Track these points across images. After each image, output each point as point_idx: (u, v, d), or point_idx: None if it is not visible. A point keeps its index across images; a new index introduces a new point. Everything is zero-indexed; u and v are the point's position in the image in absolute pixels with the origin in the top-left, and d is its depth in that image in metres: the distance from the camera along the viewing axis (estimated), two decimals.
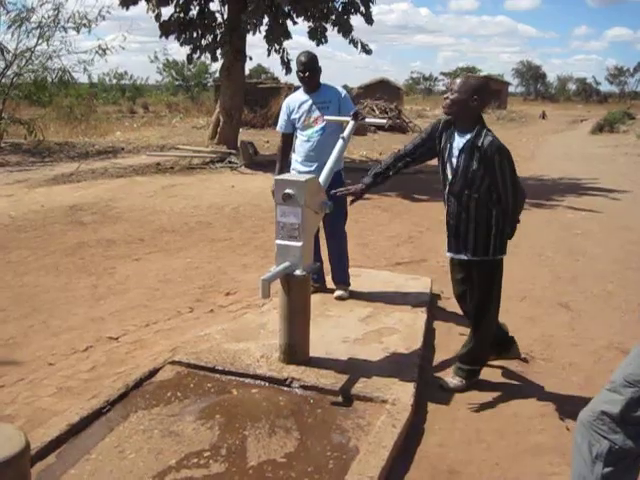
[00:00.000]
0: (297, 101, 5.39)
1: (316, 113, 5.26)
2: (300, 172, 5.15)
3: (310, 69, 5.23)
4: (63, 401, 3.71)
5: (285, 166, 5.47)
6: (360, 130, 5.82)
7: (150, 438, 3.21)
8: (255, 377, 3.85)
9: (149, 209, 9.67)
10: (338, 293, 5.44)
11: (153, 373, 3.90)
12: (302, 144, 5.33)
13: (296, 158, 5.40)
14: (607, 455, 2.33)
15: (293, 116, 5.37)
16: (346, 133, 4.72)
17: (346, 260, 5.57)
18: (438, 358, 4.50)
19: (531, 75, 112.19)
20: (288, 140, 5.48)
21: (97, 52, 19.33)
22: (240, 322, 4.89)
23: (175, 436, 3.24)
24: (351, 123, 4.79)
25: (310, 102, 5.30)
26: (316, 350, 4.12)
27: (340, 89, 5.47)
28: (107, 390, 3.68)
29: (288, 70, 16.92)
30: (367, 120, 4.97)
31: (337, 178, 5.17)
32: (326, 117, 5.20)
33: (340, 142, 4.63)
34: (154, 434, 3.25)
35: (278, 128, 5.57)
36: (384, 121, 5.34)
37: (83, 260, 6.81)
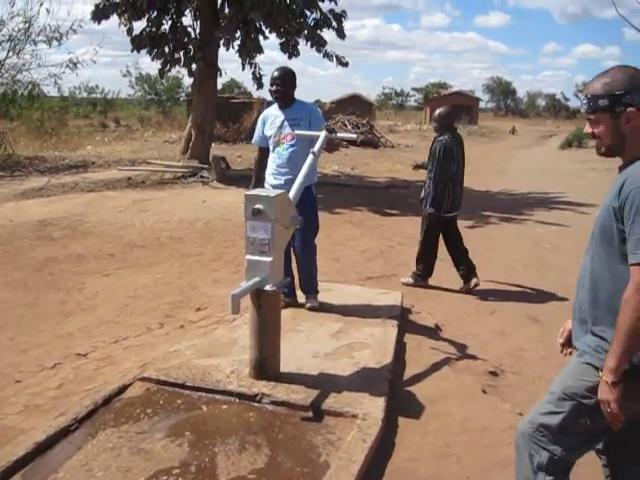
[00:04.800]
0: (271, 116, 5.43)
1: (287, 129, 5.28)
2: (272, 185, 5.17)
3: (280, 84, 5.27)
4: (30, 419, 3.66)
5: (259, 181, 5.50)
6: (333, 147, 5.84)
7: (118, 456, 3.17)
8: (225, 393, 3.82)
9: (120, 224, 9.60)
10: (309, 305, 5.45)
11: (122, 390, 3.86)
12: (274, 159, 5.36)
13: (269, 172, 5.42)
14: (548, 465, 2.41)
15: (266, 131, 5.40)
16: (316, 148, 4.74)
17: (314, 270, 5.58)
18: (409, 372, 4.51)
19: (501, 91, 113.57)
20: (264, 154, 5.51)
21: (68, 66, 19.24)
22: (210, 338, 4.86)
23: (144, 453, 3.21)
24: (321, 137, 4.82)
25: (282, 118, 5.33)
26: (287, 365, 4.11)
27: (311, 105, 5.51)
28: (75, 407, 3.63)
29: (260, 85, 16.97)
30: (337, 135, 5.00)
31: (308, 193, 5.19)
32: (297, 132, 5.22)
33: (310, 157, 4.65)
34: (122, 452, 3.21)
35: (254, 141, 5.63)
36: (354, 136, 5.37)
37: (52, 276, 6.73)
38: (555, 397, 2.40)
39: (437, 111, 6.96)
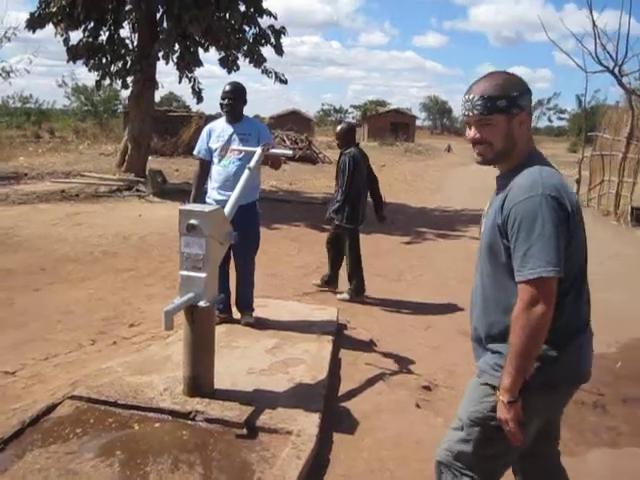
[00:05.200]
0: (218, 129, 5.43)
1: (235, 144, 5.28)
2: (215, 200, 5.13)
3: (232, 98, 5.31)
4: None
5: (200, 194, 5.48)
6: (278, 163, 5.89)
7: (46, 478, 3.09)
8: (158, 411, 3.76)
9: (52, 237, 9.39)
10: (244, 320, 5.44)
11: (51, 409, 3.75)
12: (219, 173, 5.33)
13: (212, 186, 5.40)
14: None
15: (212, 144, 5.39)
16: (252, 163, 4.74)
17: (252, 286, 5.57)
18: (344, 388, 4.53)
19: (438, 110, 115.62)
20: (205, 167, 5.50)
21: (0, 74, 18.79)
22: (144, 354, 4.79)
23: (73, 475, 3.13)
24: (257, 153, 4.83)
25: (231, 132, 5.34)
26: (221, 382, 4.08)
27: (260, 123, 5.57)
28: (1, 428, 3.52)
29: (199, 99, 16.90)
30: (273, 150, 5.02)
31: (252, 209, 5.21)
32: (233, 147, 5.22)
33: (246, 172, 4.65)
34: (50, 473, 3.13)
35: (196, 152, 5.58)
36: (290, 152, 5.40)
37: None
38: (463, 424, 2.40)
39: (339, 127, 7.24)
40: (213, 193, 5.36)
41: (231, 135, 5.33)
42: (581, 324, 2.36)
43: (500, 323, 2.28)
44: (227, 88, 5.35)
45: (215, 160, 5.39)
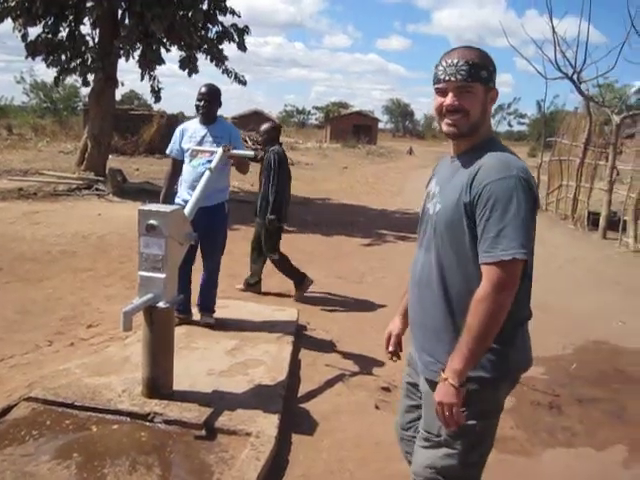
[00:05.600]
0: (191, 130, 5.44)
1: (207, 145, 5.29)
2: (184, 200, 5.09)
3: (208, 100, 5.34)
4: None
5: (170, 193, 5.48)
6: (245, 167, 5.93)
7: None
8: (116, 412, 3.74)
9: (9, 236, 9.23)
10: (204, 321, 5.43)
11: (6, 411, 3.71)
12: (189, 173, 5.33)
13: (182, 186, 5.39)
14: None
15: (184, 144, 5.41)
16: (212, 164, 4.75)
17: (214, 290, 5.58)
18: (303, 389, 4.56)
19: (400, 112, 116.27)
20: (177, 166, 5.51)
21: None
22: (102, 355, 4.75)
23: (29, 477, 3.10)
24: (218, 154, 4.84)
25: (204, 133, 5.37)
26: (180, 383, 4.07)
27: (232, 126, 5.68)
28: None
29: (157, 99, 16.76)
30: (235, 152, 5.03)
31: (221, 210, 5.23)
32: (193, 147, 5.24)
33: (206, 173, 4.65)
34: (6, 476, 3.09)
35: (168, 151, 5.59)
36: (252, 153, 5.40)
37: None
38: (444, 439, 2.30)
39: (263, 126, 7.29)
40: (183, 193, 5.36)
41: (203, 136, 5.35)
42: (529, 310, 2.32)
43: (460, 306, 2.19)
44: (203, 90, 5.37)
45: (186, 160, 5.39)
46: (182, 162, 5.44)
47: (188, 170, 5.36)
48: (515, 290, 2.09)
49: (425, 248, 2.35)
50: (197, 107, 5.38)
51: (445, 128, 2.27)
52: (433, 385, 2.28)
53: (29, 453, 3.32)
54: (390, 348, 2.74)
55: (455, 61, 2.18)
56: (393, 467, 3.56)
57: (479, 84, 2.18)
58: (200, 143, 5.33)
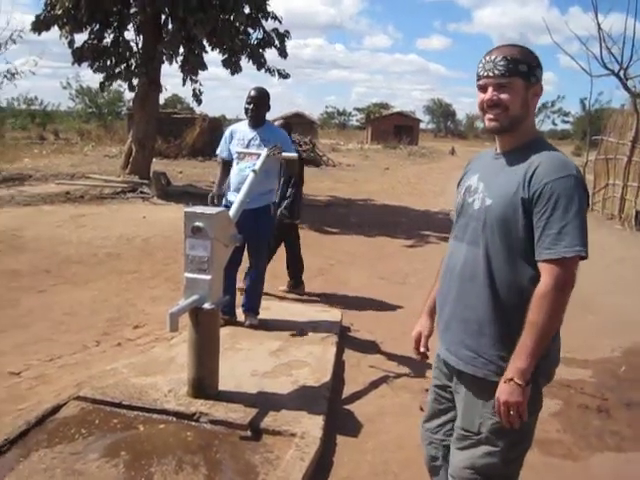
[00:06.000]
0: (240, 132, 5.50)
1: (254, 148, 5.33)
2: (230, 202, 5.11)
3: (257, 103, 5.39)
4: None
5: (220, 192, 5.55)
6: (291, 166, 5.97)
7: (52, 477, 3.11)
8: (162, 412, 3.79)
9: (57, 239, 9.40)
10: (248, 322, 5.46)
11: (56, 409, 3.78)
12: (235, 175, 5.40)
13: (229, 188, 5.44)
14: None
15: (232, 146, 5.48)
16: (257, 166, 4.77)
17: (259, 291, 5.62)
18: (347, 390, 4.55)
19: (441, 112, 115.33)
20: (226, 166, 5.59)
21: (6, 76, 18.85)
22: (148, 356, 4.81)
23: (78, 475, 3.16)
24: (262, 156, 4.86)
25: (252, 136, 5.42)
26: (225, 384, 4.10)
27: (282, 130, 5.70)
28: (7, 428, 3.55)
29: (199, 102, 16.92)
30: (281, 154, 5.05)
31: (266, 212, 5.26)
32: (240, 150, 5.28)
33: (250, 175, 4.68)
34: (56, 473, 3.15)
35: (218, 152, 5.69)
36: (296, 155, 5.43)
37: None
38: (484, 437, 2.29)
39: (275, 123, 7.14)
40: (230, 195, 5.41)
41: (251, 139, 5.39)
42: None
43: (509, 304, 2.22)
44: (252, 93, 5.41)
45: (234, 162, 5.44)
46: (231, 162, 5.51)
47: (235, 172, 5.41)
48: (573, 287, 2.11)
49: (469, 242, 2.35)
50: (246, 110, 5.42)
51: (487, 123, 2.30)
52: (476, 380, 2.29)
53: (78, 451, 3.38)
54: (421, 349, 2.71)
55: (493, 57, 2.22)
56: None
57: (518, 78, 2.19)
58: (248, 146, 5.36)
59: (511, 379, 2.12)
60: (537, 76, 2.24)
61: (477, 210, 2.32)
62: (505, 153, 2.32)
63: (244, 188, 4.57)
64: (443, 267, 2.51)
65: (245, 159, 5.35)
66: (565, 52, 54.76)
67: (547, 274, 2.10)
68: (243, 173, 5.26)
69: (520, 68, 2.19)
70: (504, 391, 2.14)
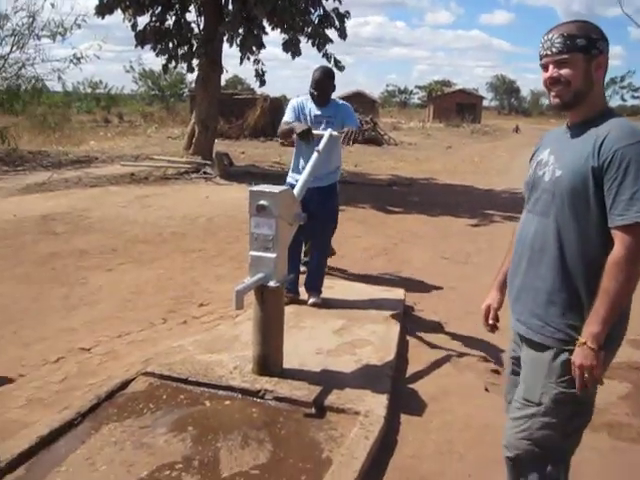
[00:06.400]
0: (304, 108, 5.43)
1: (320, 126, 5.28)
2: (295, 180, 5.08)
3: (322, 88, 5.32)
4: (33, 413, 3.67)
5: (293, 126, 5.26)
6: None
7: (122, 450, 3.18)
8: (228, 389, 3.83)
9: (122, 219, 9.60)
10: (311, 301, 5.47)
11: (125, 384, 3.87)
12: (298, 155, 5.37)
13: (292, 166, 5.43)
14: (555, 473, 2.36)
15: (300, 120, 5.38)
16: (320, 146, 4.74)
17: (323, 270, 5.63)
18: (411, 369, 4.52)
19: (505, 89, 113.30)
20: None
21: (71, 60, 19.25)
22: (213, 333, 4.87)
23: (147, 448, 3.22)
24: (325, 136, 4.83)
25: (317, 114, 5.37)
26: (290, 361, 4.12)
27: (345, 105, 5.55)
28: (78, 402, 3.65)
29: (262, 82, 16.93)
30: (338, 133, 5.01)
31: (331, 191, 5.24)
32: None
33: (314, 155, 4.65)
34: (126, 446, 3.23)
35: (287, 120, 5.41)
36: (355, 126, 5.35)
37: (55, 270, 6.74)
38: (544, 408, 2.30)
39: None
40: (292, 174, 5.39)
41: (316, 117, 5.35)
42: None
43: (580, 273, 2.23)
44: (317, 76, 5.33)
45: (296, 141, 5.40)
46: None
47: (299, 151, 5.38)
48: None
49: (540, 213, 2.36)
50: (312, 95, 5.37)
51: (552, 100, 2.32)
52: (543, 349, 2.32)
53: (147, 425, 3.44)
54: (490, 321, 2.77)
55: (551, 36, 2.25)
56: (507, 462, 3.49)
57: (577, 53, 2.20)
58: (313, 124, 5.32)
59: (584, 343, 2.14)
60: (599, 48, 2.22)
61: (547, 182, 2.33)
62: (574, 126, 2.33)
63: (308, 167, 4.56)
64: (515, 240, 2.54)
65: (311, 138, 5.31)
66: (636, 24, 52.85)
67: (620, 241, 2.11)
68: (308, 152, 5.25)
69: (578, 43, 2.20)
70: (578, 355, 2.16)
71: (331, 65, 16.25)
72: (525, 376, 2.43)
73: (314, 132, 5.10)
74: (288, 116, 5.45)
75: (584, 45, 2.19)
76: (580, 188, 2.19)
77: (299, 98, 5.57)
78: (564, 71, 2.22)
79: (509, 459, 2.45)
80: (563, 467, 2.40)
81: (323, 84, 5.33)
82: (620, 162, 2.09)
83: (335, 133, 5.02)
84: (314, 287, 5.56)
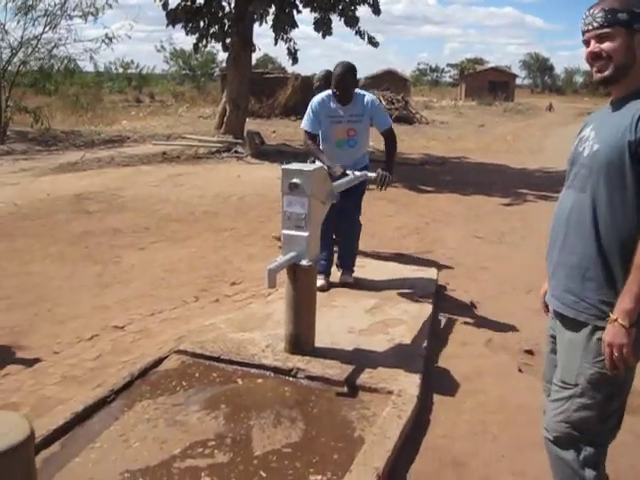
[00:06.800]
0: (327, 108, 5.25)
1: (348, 125, 5.23)
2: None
3: (344, 86, 5.12)
4: (68, 390, 3.71)
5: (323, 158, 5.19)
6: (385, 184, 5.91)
7: (155, 427, 3.21)
8: (260, 367, 3.84)
9: (155, 198, 9.66)
10: (343, 280, 5.45)
11: (158, 362, 3.90)
12: (329, 149, 5.30)
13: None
14: (594, 457, 2.32)
15: (321, 122, 5.26)
16: (352, 177, 4.82)
17: (355, 249, 5.61)
18: (444, 350, 4.48)
19: (538, 67, 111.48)
20: (315, 139, 5.29)
21: (103, 41, 19.34)
22: (245, 312, 4.88)
23: (180, 425, 3.24)
24: (355, 178, 4.88)
25: (341, 112, 5.23)
26: (321, 340, 4.12)
27: (372, 99, 5.34)
28: (112, 379, 3.68)
29: (295, 60, 16.87)
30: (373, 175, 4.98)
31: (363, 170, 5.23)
32: (350, 174, 4.93)
33: (350, 177, 4.78)
34: (159, 423, 3.25)
35: (304, 126, 5.32)
36: (389, 125, 5.21)
37: (88, 249, 6.81)
38: (581, 389, 2.26)
39: (317, 74, 6.79)
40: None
41: (341, 117, 5.23)
42: None
43: (616, 249, 2.19)
44: (338, 73, 5.09)
45: (323, 135, 5.32)
46: (317, 135, 5.29)
47: (329, 146, 5.30)
48: None
49: (577, 189, 2.32)
50: (334, 94, 5.17)
51: (594, 76, 2.27)
52: (577, 325, 2.28)
53: (179, 403, 3.47)
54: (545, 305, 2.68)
55: (592, 11, 2.20)
56: (537, 431, 3.41)
57: (619, 27, 2.15)
58: (338, 124, 5.22)
59: (615, 319, 2.10)
60: None
61: (586, 157, 2.29)
62: (617, 101, 2.27)
63: (345, 180, 4.64)
64: (553, 216, 2.49)
65: (339, 136, 5.23)
66: None
67: None
68: (340, 149, 5.26)
69: (620, 17, 2.14)
70: (609, 332, 2.13)
71: (365, 42, 16.16)
72: (561, 357, 2.39)
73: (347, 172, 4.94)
74: (309, 124, 5.28)
75: (626, 19, 2.13)
76: (616, 162, 2.14)
77: (319, 96, 5.33)
78: (605, 45, 2.17)
79: (549, 441, 2.42)
80: (602, 451, 2.36)
81: (345, 81, 5.09)
82: None
83: (372, 175, 4.95)
84: (346, 266, 5.54)
